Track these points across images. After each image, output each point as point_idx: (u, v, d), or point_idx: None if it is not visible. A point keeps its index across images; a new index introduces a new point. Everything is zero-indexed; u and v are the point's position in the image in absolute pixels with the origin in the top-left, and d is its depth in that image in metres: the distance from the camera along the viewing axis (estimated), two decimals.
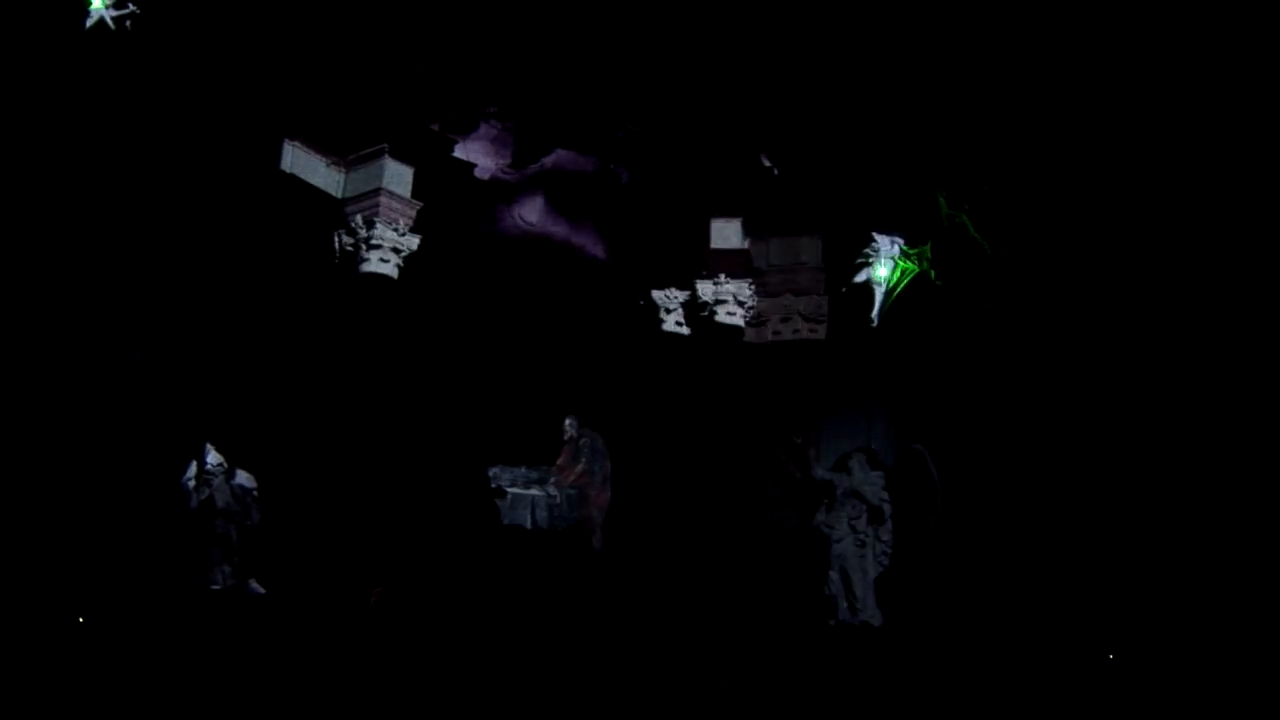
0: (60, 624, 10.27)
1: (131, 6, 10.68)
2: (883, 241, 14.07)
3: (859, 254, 14.25)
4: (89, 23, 10.46)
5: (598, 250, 16.39)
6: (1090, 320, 12.66)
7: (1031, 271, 12.98)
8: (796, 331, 15.08)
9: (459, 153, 14.92)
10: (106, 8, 10.47)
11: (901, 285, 13.94)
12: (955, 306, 13.45)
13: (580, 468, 16.13)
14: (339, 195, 14.01)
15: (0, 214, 10.16)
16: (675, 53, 14.11)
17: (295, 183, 13.52)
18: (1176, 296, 12.29)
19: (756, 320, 15.29)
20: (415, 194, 14.08)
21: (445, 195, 14.85)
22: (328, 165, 13.92)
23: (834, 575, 13.36)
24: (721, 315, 15.21)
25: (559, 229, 16.27)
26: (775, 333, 15.22)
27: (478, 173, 15.49)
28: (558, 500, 15.88)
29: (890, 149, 13.89)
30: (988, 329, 13.10)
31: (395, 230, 13.83)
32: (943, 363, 13.45)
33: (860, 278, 14.22)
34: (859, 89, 13.84)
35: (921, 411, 13.72)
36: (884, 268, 14.07)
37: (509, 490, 15.72)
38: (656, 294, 15.81)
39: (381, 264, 13.81)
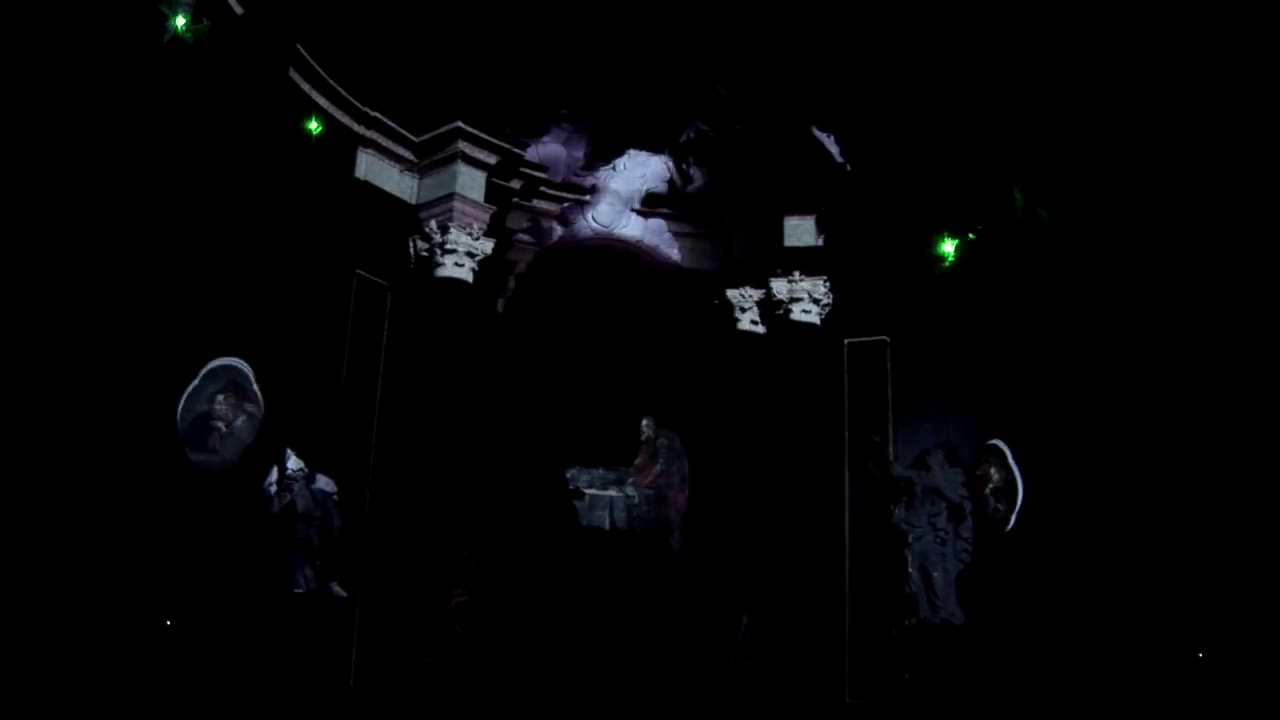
0: (148, 627, 10.46)
1: (205, 21, 10.86)
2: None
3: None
4: (165, 37, 10.65)
5: (671, 250, 16.35)
6: (1176, 311, 12.38)
7: (1112, 262, 12.72)
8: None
9: (531, 156, 14.98)
10: (182, 26, 10.66)
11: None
12: (1032, 299, 13.23)
13: (658, 468, 16.15)
14: (413, 201, 14.17)
15: (83, 225, 10.32)
16: (745, 48, 14.04)
17: (370, 189, 13.69)
18: (1270, 292, 11.95)
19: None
20: (488, 198, 14.19)
21: (518, 199, 14.99)
22: (401, 171, 14.09)
23: (914, 573, 13.23)
24: (797, 313, 15.09)
25: (632, 230, 16.26)
26: None
27: (550, 175, 15.56)
28: (636, 501, 15.92)
29: (965, 142, 13.71)
30: (1067, 321, 12.87)
31: (469, 235, 13.93)
32: (1021, 356, 13.23)
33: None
34: (931, 81, 13.68)
35: (1000, 407, 13.50)
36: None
37: (587, 491, 15.80)
38: (731, 293, 15.72)
39: (456, 268, 13.91)
